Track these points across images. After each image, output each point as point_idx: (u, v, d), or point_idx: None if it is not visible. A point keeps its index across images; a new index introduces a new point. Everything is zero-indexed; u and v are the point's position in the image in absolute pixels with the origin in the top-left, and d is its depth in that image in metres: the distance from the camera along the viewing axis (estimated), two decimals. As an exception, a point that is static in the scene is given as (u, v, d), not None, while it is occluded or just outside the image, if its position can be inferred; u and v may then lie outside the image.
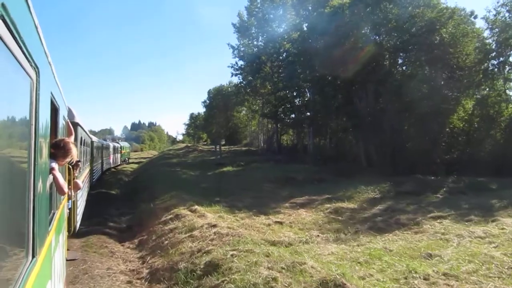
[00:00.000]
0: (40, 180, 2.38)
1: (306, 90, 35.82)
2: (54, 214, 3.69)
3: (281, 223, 11.06)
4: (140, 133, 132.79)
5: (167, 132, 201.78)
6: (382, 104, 24.30)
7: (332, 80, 26.71)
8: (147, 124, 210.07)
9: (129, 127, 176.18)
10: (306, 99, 37.80)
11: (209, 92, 70.93)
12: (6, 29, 1.42)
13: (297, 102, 39.49)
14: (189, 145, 58.36)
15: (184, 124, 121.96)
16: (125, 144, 49.05)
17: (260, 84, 42.48)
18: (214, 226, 9.06)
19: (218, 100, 67.98)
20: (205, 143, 70.38)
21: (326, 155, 31.13)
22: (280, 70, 41.31)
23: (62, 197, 4.49)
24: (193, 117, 79.95)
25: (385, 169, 21.22)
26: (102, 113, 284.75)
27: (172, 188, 17.43)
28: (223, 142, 73.20)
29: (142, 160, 57.38)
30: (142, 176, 25.67)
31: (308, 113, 38.83)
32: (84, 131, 12.47)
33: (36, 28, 2.18)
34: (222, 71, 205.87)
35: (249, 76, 42.32)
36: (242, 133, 65.24)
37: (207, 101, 71.86)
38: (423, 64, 24.34)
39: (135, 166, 46.30)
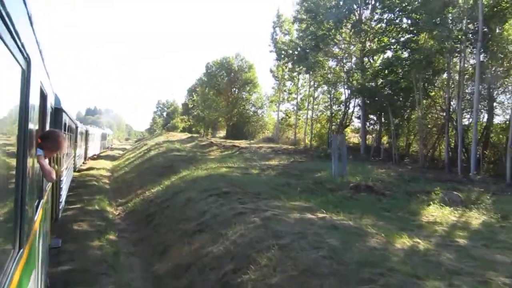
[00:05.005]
0: (29, 168, 2.26)
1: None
2: (40, 202, 3.46)
3: None
4: (97, 118, 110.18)
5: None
6: None
7: None
8: (103, 111, 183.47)
9: (83, 113, 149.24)
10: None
11: (207, 66, 51.86)
12: (1, 21, 1.41)
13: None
14: (195, 135, 39.33)
15: (154, 112, 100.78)
16: (109, 131, 46.86)
17: (348, 35, 25.25)
18: None
19: (221, 78, 49.38)
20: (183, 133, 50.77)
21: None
22: (378, 12, 24.51)
23: (48, 184, 4.44)
24: (190, 95, 59.06)
25: None
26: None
27: None
28: (221, 134, 54.54)
29: (108, 152, 38.04)
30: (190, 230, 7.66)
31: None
32: (69, 117, 10.99)
33: (30, 18, 2.11)
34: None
35: (324, 22, 24.74)
36: (255, 124, 47.08)
37: (204, 79, 52.78)
38: None
39: (107, 163, 27.36)
